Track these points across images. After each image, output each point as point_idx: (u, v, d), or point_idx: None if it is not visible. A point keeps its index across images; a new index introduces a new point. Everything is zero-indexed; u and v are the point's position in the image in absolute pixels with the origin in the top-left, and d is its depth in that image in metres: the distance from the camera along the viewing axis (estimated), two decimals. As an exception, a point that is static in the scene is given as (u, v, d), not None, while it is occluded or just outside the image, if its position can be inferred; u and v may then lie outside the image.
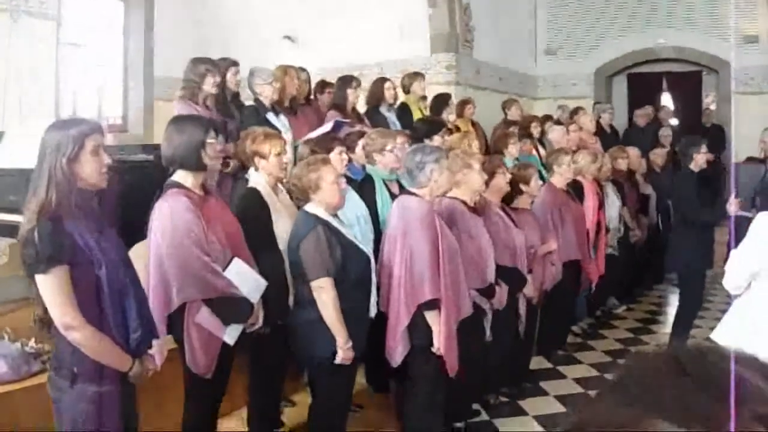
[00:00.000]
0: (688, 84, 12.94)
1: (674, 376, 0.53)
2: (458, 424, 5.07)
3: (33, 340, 4.77)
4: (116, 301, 2.94)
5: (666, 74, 13.05)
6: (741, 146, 10.94)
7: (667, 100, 13.17)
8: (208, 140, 3.76)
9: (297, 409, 5.27)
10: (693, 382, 0.51)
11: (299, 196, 4.19)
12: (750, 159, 9.90)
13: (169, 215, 3.66)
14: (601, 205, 7.21)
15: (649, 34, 12.50)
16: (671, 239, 6.95)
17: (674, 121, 12.39)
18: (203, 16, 11.50)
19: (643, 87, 13.13)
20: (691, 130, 11.38)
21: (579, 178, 7.00)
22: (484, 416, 5.40)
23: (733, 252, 3.93)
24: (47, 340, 4.90)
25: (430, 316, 4.26)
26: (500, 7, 11.91)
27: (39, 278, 2.82)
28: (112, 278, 2.91)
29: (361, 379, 5.27)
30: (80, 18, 9.98)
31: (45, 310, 2.90)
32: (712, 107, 12.46)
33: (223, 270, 3.75)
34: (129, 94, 11.85)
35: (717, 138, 11.53)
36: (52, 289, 2.82)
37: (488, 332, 5.01)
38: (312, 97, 7.47)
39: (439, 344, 4.26)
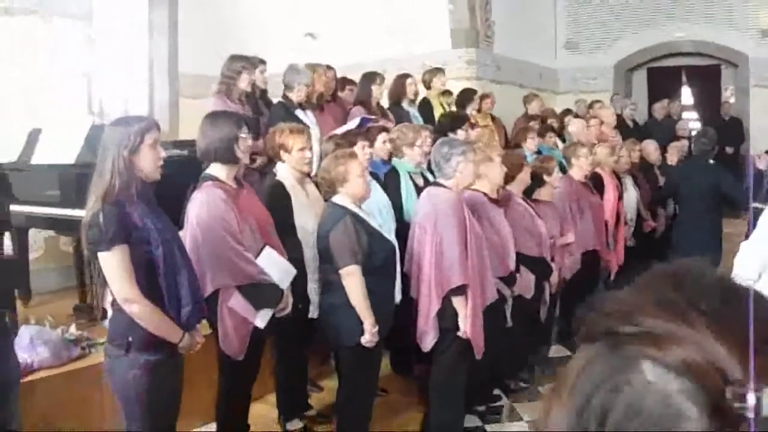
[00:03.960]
0: (707, 77, 12.98)
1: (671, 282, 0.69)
2: (479, 408, 5.26)
3: (73, 326, 4.99)
4: (170, 278, 3.21)
5: (685, 68, 13.09)
6: (760, 139, 11.02)
7: (686, 93, 13.23)
8: (241, 135, 3.99)
9: (324, 393, 5.48)
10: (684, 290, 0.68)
11: (327, 188, 4.37)
12: (768, 152, 9.96)
13: (204, 206, 3.89)
14: (620, 197, 7.34)
15: (668, 28, 12.51)
16: (683, 232, 7.00)
17: (692, 115, 12.44)
18: (226, 13, 11.64)
19: (662, 81, 13.18)
20: (710, 123, 11.46)
21: (598, 170, 7.14)
22: (505, 401, 5.58)
23: (743, 244, 4.05)
24: (86, 327, 5.16)
25: (457, 302, 4.45)
26: (520, 2, 11.94)
27: (102, 256, 3.12)
28: (167, 257, 3.18)
29: (386, 366, 5.45)
30: (107, 17, 10.17)
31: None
32: (731, 100, 12.50)
33: (255, 257, 3.96)
34: (154, 91, 12.06)
35: (735, 131, 11.61)
36: (113, 265, 3.11)
37: (509, 319, 5.18)
38: (338, 93, 7.61)
39: (465, 328, 4.45)
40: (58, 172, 5.73)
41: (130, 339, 3.19)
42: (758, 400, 0.55)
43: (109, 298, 3.58)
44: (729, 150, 11.40)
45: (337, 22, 11.07)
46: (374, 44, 10.58)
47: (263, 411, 4.99)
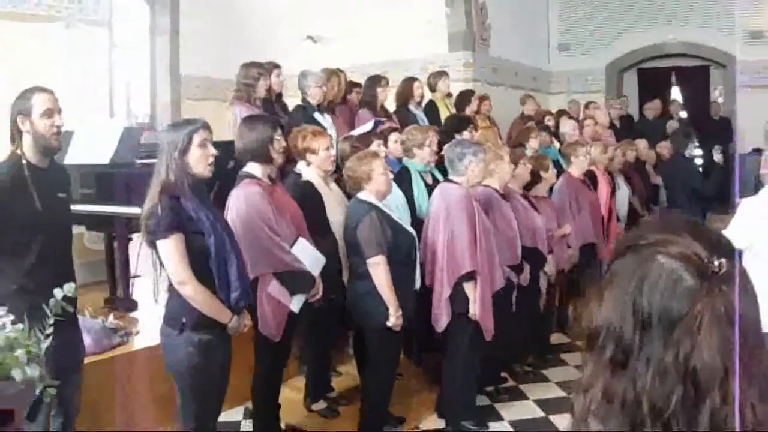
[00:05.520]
0: (697, 78, 13.33)
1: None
2: (489, 388, 5.66)
3: (111, 316, 5.34)
4: (221, 264, 3.57)
5: (675, 69, 13.45)
6: (748, 138, 11.34)
7: (676, 94, 13.59)
8: (275, 137, 4.36)
9: (343, 378, 5.88)
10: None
11: (352, 186, 4.78)
12: (756, 150, 10.31)
13: (243, 201, 4.28)
14: (612, 194, 7.73)
15: (658, 30, 12.81)
16: None
17: (682, 114, 12.79)
18: (227, 17, 11.86)
19: (653, 81, 13.52)
20: (699, 123, 11.82)
21: (592, 168, 7.51)
22: (511, 383, 6.00)
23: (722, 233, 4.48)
24: (123, 318, 5.51)
25: (468, 287, 4.88)
26: (515, 6, 12.25)
27: (160, 243, 3.49)
28: (218, 246, 3.55)
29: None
30: (120, 23, 10.47)
31: None
32: (720, 101, 12.87)
33: (290, 248, 4.35)
34: (157, 93, 12.34)
35: (724, 130, 11.98)
36: (170, 251, 3.48)
37: (513, 305, 5.57)
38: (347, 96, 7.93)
39: (475, 311, 4.88)
40: (78, 172, 6.03)
41: (184, 320, 3.54)
42: (719, 264, 1.07)
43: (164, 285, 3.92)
44: (717, 148, 11.77)
45: (337, 26, 11.32)
46: (373, 47, 10.82)
47: (288, 394, 5.33)
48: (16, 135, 3.64)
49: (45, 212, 3.61)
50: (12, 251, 3.58)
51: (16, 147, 3.65)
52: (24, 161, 3.62)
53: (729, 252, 1.13)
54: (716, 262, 1.08)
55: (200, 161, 3.57)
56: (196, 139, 3.56)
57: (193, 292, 3.51)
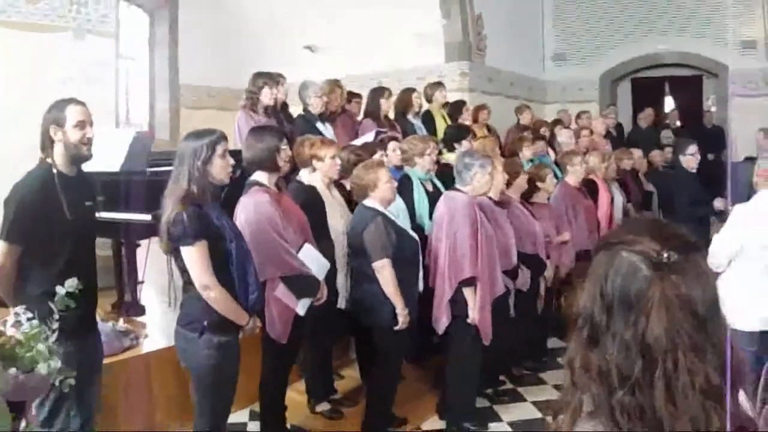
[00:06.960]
0: (690, 88, 13.55)
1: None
2: (488, 390, 5.82)
3: (121, 320, 5.47)
4: (240, 268, 3.72)
5: (668, 78, 13.67)
6: (741, 147, 11.50)
7: (669, 103, 13.79)
8: (282, 146, 4.51)
9: (346, 381, 6.03)
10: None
11: (358, 192, 4.95)
12: (748, 158, 10.45)
13: (252, 208, 4.43)
14: (611, 201, 7.89)
15: (651, 41, 13.03)
16: None
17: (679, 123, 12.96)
18: (226, 27, 11.98)
19: (646, 91, 13.72)
20: (691, 132, 12.00)
21: (592, 176, 7.68)
22: (510, 385, 6.16)
23: (714, 236, 4.71)
24: (132, 322, 5.63)
25: (467, 292, 5.05)
26: (510, 16, 12.44)
27: (185, 249, 3.61)
28: (238, 251, 3.71)
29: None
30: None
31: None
32: (713, 110, 13.03)
33: (296, 253, 4.49)
34: (156, 101, 12.50)
35: (717, 139, 12.14)
36: (195, 258, 3.61)
37: (512, 310, 5.73)
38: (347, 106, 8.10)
39: (474, 315, 5.03)
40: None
41: (206, 323, 3.68)
42: (668, 256, 1.32)
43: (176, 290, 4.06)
44: (710, 156, 11.95)
45: (334, 36, 11.52)
46: (370, 57, 11.05)
47: (293, 396, 5.45)
48: (47, 144, 3.72)
49: (73, 220, 3.70)
50: (41, 258, 3.65)
51: (47, 156, 3.73)
52: (54, 170, 3.70)
53: (682, 247, 1.36)
54: (666, 254, 1.33)
55: (222, 170, 3.72)
56: (219, 149, 3.70)
57: (216, 296, 3.64)
